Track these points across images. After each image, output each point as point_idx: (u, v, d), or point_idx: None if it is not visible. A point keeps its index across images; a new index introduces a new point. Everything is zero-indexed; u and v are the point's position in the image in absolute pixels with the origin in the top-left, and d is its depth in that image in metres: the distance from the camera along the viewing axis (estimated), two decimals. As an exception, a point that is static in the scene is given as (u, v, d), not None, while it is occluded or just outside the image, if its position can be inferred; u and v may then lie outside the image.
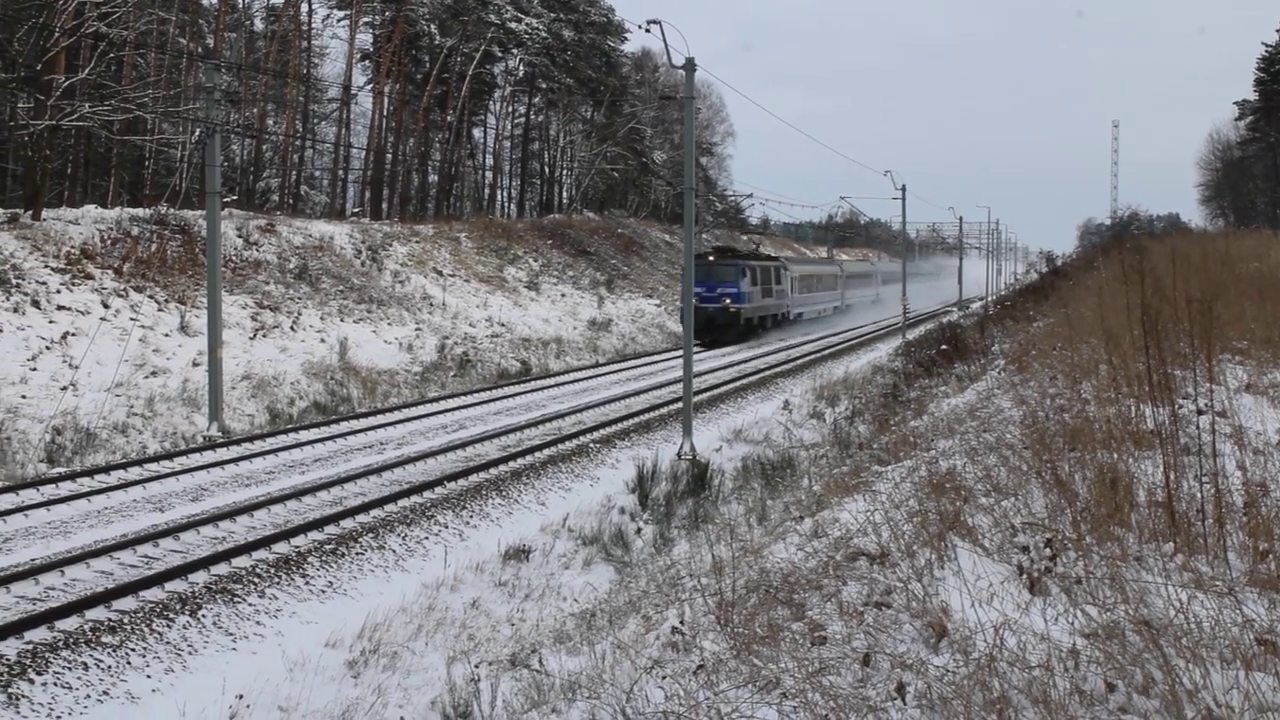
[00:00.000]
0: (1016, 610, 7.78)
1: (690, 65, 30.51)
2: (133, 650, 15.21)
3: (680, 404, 32.14)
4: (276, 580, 18.33)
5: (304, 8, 75.25)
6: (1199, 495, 8.88)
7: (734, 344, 62.89)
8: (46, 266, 36.97)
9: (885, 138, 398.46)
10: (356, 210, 75.47)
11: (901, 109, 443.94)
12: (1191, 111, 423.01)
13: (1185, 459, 9.75)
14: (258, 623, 16.92)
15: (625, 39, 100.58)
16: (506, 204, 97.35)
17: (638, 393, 41.63)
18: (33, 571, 17.38)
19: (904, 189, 67.93)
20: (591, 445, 30.72)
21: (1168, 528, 8.84)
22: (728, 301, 62.53)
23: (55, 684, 14.02)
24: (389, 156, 78.94)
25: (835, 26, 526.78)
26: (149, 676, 14.78)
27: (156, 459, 26.84)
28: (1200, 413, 10.92)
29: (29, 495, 22.79)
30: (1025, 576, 8.46)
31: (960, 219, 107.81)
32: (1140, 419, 11.71)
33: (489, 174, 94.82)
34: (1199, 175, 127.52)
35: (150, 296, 39.14)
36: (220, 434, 29.98)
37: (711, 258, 65.45)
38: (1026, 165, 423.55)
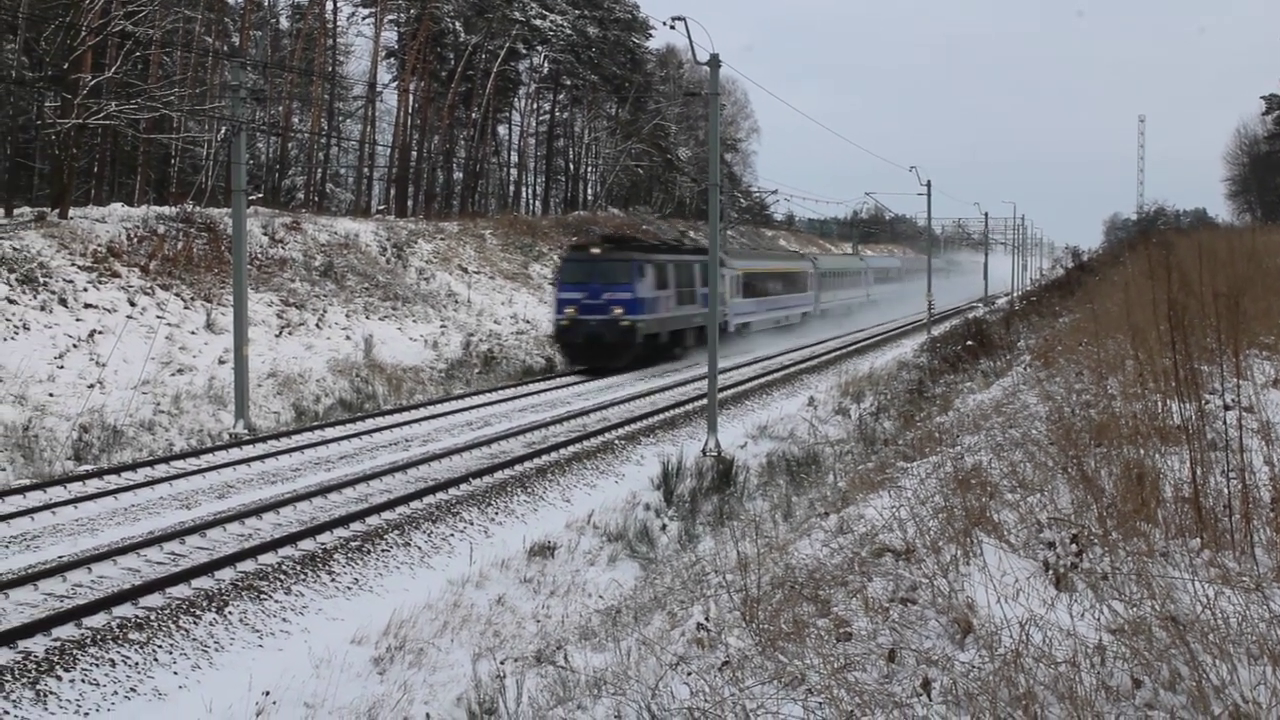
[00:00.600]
0: (1042, 606, 7.77)
1: (715, 61, 30.49)
2: (160, 647, 15.27)
3: (705, 400, 32.11)
4: (303, 577, 18.37)
5: (329, 6, 75.36)
6: (1226, 491, 8.86)
7: (630, 370, 46.71)
8: (73, 265, 37.13)
9: (905, 135, 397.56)
10: (381, 208, 75.58)
11: (917, 107, 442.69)
12: (1219, 106, 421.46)
13: (1212, 454, 9.72)
14: (284, 620, 16.96)
15: (650, 35, 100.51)
16: (531, 201, 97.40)
17: (663, 389, 41.63)
18: (60, 569, 17.46)
19: (929, 184, 67.90)
20: (616, 442, 30.72)
21: (1194, 523, 8.82)
22: (618, 311, 45.53)
23: (83, 680, 14.09)
24: (414, 154, 79.04)
25: (844, 25, 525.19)
26: (176, 673, 14.83)
27: (183, 456, 26.94)
28: (1227, 408, 10.88)
29: (56, 493, 22.90)
30: (1051, 572, 8.44)
31: (986, 215, 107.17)
32: (1166, 414, 11.67)
33: (514, 171, 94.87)
34: (1226, 170, 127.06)
35: (176, 294, 39.30)
36: (246, 431, 30.08)
37: (595, 250, 48.40)
38: (1052, 161, 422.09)
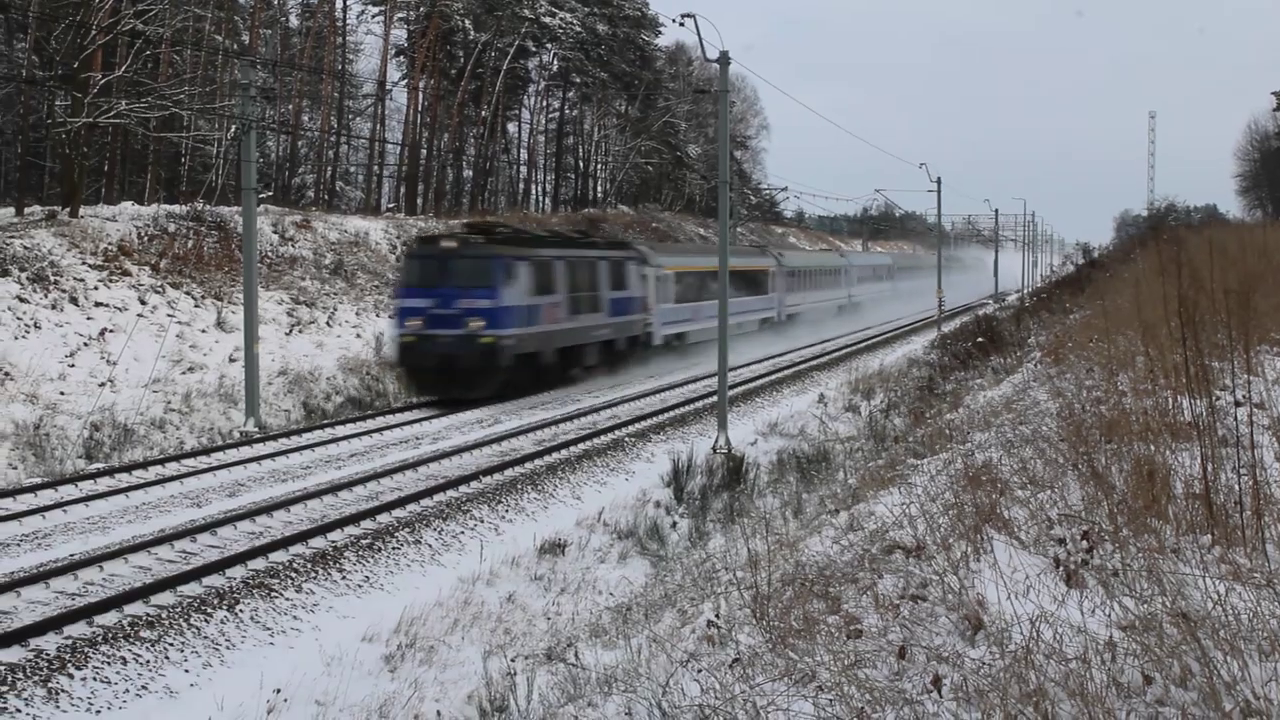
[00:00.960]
0: (1053, 603, 7.77)
1: (724, 59, 30.50)
2: (171, 645, 15.29)
3: (715, 398, 32.11)
4: (313, 575, 18.39)
5: (339, 4, 75.51)
6: (1237, 487, 8.85)
7: (498, 401, 36.16)
8: (84, 263, 37.19)
9: (912, 132, 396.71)
10: (391, 206, 75.64)
11: (923, 104, 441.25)
12: (1230, 102, 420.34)
13: (1223, 450, 9.71)
14: (295, 617, 16.98)
15: (659, 33, 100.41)
16: (541, 198, 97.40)
17: (672, 386, 41.62)
18: (72, 567, 17.48)
19: (939, 181, 67.84)
20: (626, 439, 30.72)
21: (1205, 520, 8.81)
22: (475, 324, 35.31)
23: (94, 678, 14.11)
24: (424, 152, 79.08)
25: (849, 23, 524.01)
26: (187, 671, 14.85)
27: (194, 454, 26.98)
28: (1238, 404, 10.87)
29: (68, 491, 22.92)
30: (1062, 569, 8.44)
31: (996, 211, 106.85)
32: (1177, 410, 11.67)
33: (523, 168, 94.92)
34: (1236, 166, 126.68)
35: (187, 293, 39.35)
36: (257, 429, 30.09)
37: (446, 243, 37.60)
38: (1063, 157, 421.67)
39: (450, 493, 23.73)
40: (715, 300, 48.47)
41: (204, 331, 37.34)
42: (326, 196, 71.86)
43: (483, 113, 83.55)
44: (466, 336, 35.07)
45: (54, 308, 33.91)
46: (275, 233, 48.90)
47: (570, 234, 48.30)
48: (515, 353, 36.12)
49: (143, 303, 36.86)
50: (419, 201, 77.45)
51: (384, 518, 21.50)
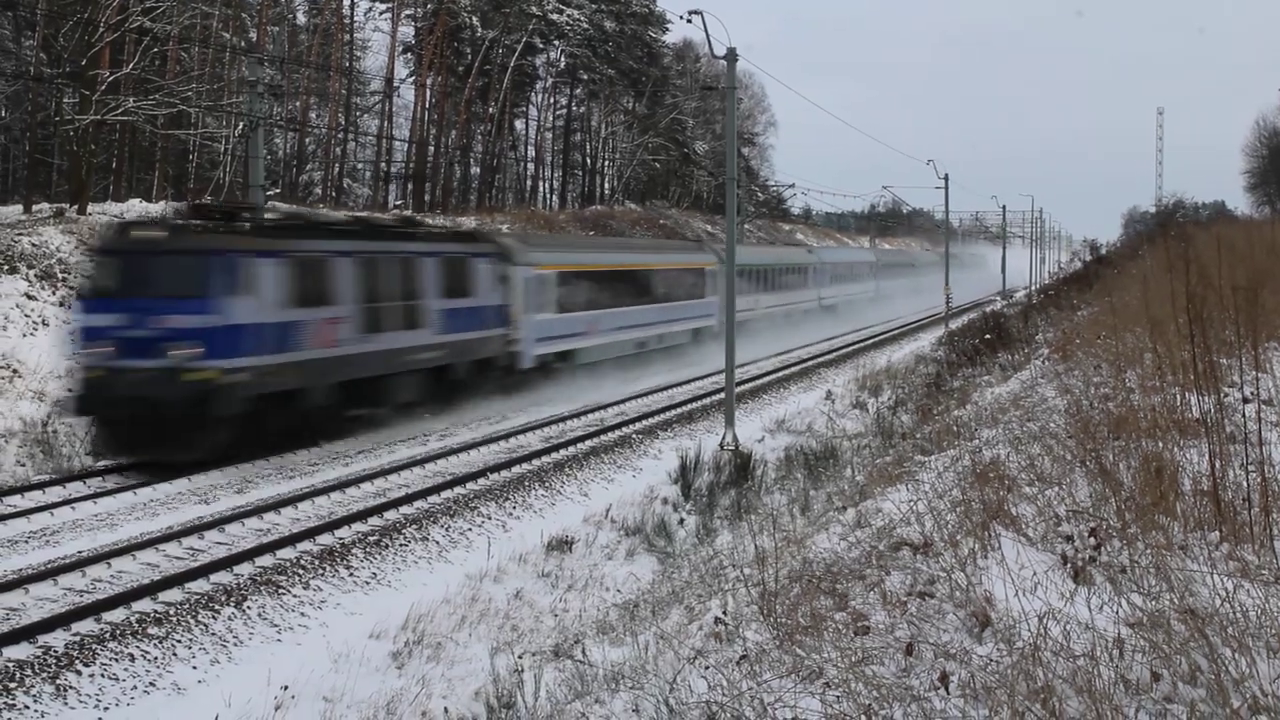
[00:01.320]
0: (1061, 599, 7.76)
1: (732, 55, 30.49)
2: (179, 642, 15.31)
3: (722, 394, 32.09)
4: (321, 572, 18.41)
5: (346, 1, 75.50)
6: (1245, 484, 8.84)
7: (212, 466, 24.69)
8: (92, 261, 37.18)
9: (917, 130, 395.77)
10: (399, 203, 75.66)
11: (928, 102, 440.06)
12: (1233, 100, 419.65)
13: (1231, 447, 9.70)
14: (302, 614, 16.99)
15: (666, 30, 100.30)
16: (548, 195, 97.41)
17: (680, 383, 41.61)
18: (80, 564, 17.50)
19: (946, 178, 67.77)
20: (634, 436, 30.73)
21: (1213, 516, 8.80)
22: (182, 353, 24.26)
23: (102, 675, 14.12)
24: (431, 149, 79.07)
25: (851, 21, 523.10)
26: (195, 668, 14.86)
27: (202, 451, 26.99)
28: (1246, 401, 10.85)
29: (76, 488, 22.96)
30: (1069, 565, 8.43)
31: (1004, 208, 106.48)
32: (1185, 407, 11.66)
33: (531, 165, 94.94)
34: (1244, 163, 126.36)
35: (195, 290, 39.29)
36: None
37: (145, 233, 26.64)
38: (1070, 153, 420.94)
39: (457, 489, 23.76)
40: (615, 309, 43.22)
41: (212, 328, 37.29)
42: (333, 193, 71.93)
43: (490, 109, 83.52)
44: (168, 371, 24.29)
45: (62, 305, 33.92)
46: (283, 230, 48.82)
47: (381, 222, 36.43)
48: (252, 392, 25.22)
49: (150, 300, 36.81)
50: (426, 198, 77.49)
51: (391, 514, 21.53)
